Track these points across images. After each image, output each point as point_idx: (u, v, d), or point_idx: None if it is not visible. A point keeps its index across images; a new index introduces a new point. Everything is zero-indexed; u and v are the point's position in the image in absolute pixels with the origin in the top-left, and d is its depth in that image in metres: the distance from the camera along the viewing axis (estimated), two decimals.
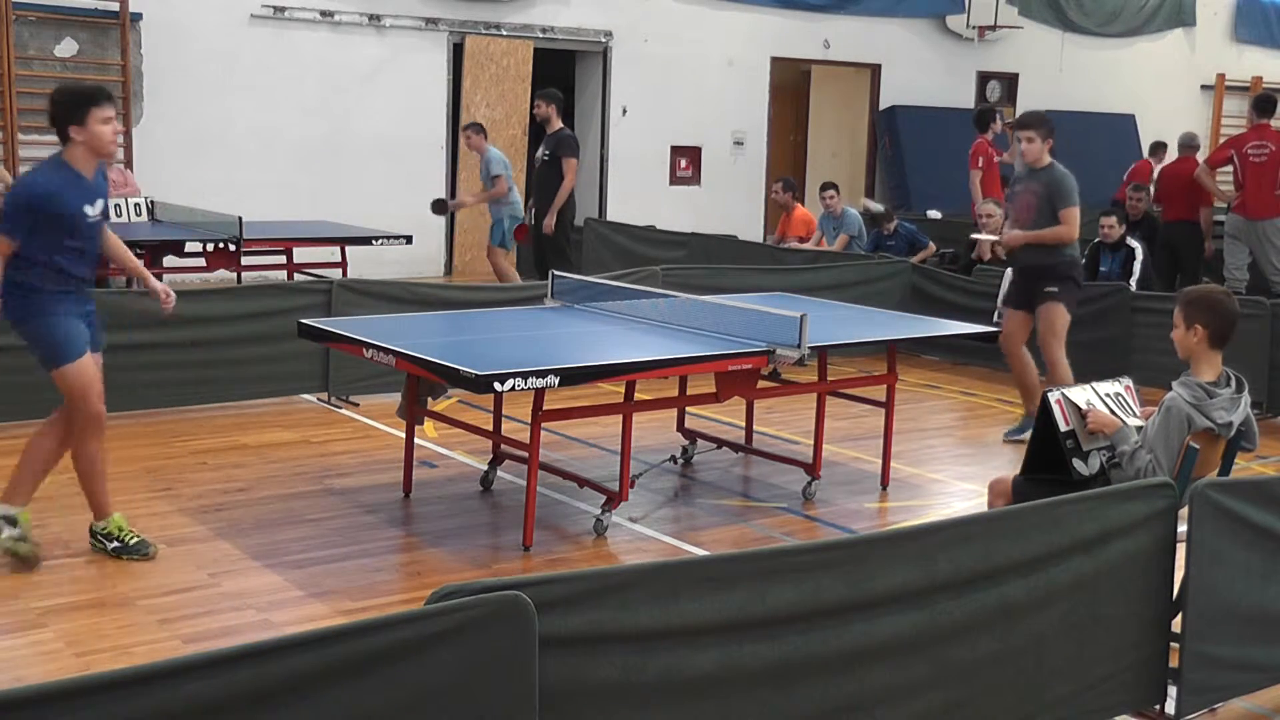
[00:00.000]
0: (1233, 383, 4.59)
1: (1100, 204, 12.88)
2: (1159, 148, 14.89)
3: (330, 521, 5.90)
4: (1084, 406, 4.67)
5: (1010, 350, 7.80)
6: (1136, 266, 10.01)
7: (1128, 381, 4.94)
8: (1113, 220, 10.27)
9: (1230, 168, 11.28)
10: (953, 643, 3.56)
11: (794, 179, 13.54)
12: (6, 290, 5.09)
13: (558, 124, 10.83)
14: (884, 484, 6.78)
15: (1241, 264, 11.21)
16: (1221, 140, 20.34)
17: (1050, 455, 4.70)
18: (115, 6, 12.37)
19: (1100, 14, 19.34)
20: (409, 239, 11.03)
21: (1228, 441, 4.58)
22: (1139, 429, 4.67)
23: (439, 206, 11.91)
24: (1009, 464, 5.39)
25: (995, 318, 9.38)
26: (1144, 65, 19.89)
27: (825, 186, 12.30)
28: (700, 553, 5.50)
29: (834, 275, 10.17)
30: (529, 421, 5.58)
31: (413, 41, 14.09)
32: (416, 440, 6.44)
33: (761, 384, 6.48)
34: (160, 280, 5.73)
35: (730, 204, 16.07)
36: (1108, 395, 4.78)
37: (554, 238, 10.68)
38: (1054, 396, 4.70)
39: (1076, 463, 4.64)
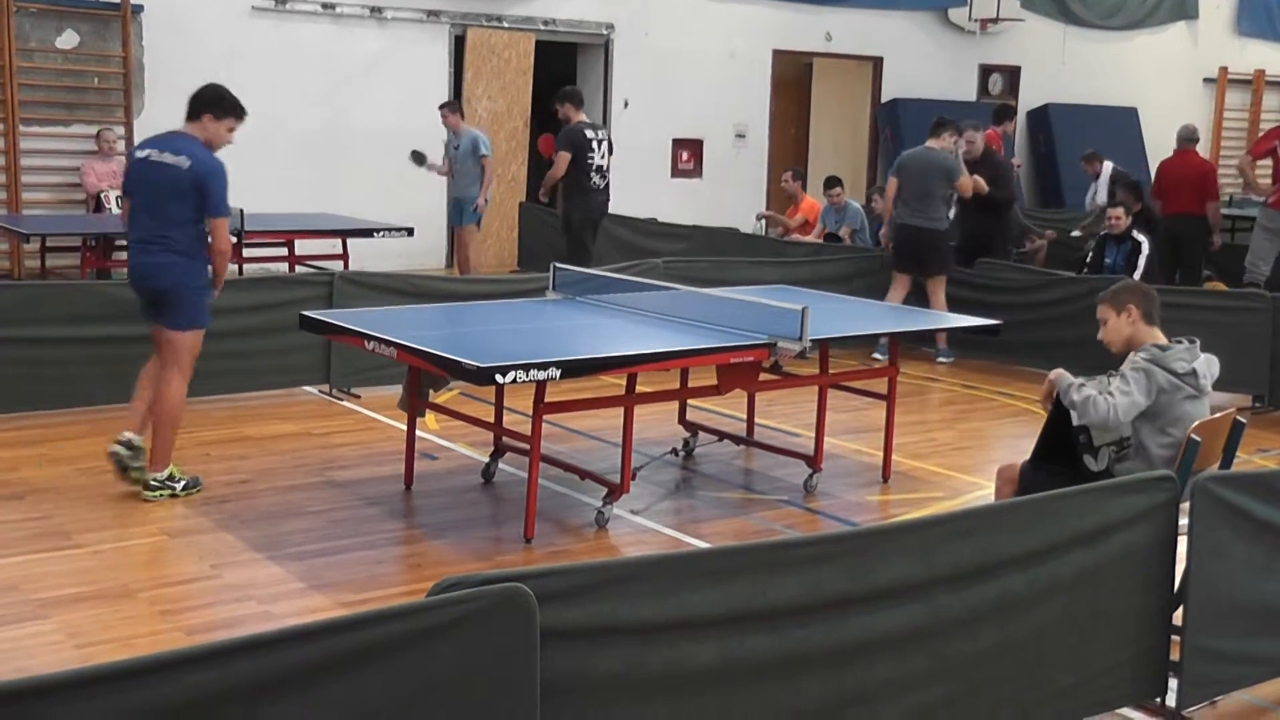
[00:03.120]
0: (1184, 341, 4.73)
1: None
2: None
3: (332, 513, 5.91)
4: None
5: None
6: (1141, 260, 10.00)
7: None
8: (1119, 211, 10.27)
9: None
10: (954, 636, 3.56)
11: (802, 170, 13.51)
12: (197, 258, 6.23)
13: (574, 119, 10.41)
14: (885, 477, 6.78)
15: (1269, 258, 11.11)
16: (1224, 134, 20.34)
17: (1060, 446, 4.74)
18: None
19: (1102, 7, 19.29)
20: (410, 231, 11.03)
21: (1229, 433, 4.59)
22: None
23: (418, 158, 11.77)
24: (1010, 457, 5.40)
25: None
26: (1146, 58, 19.84)
27: (831, 183, 12.26)
28: (701, 545, 5.50)
29: (836, 268, 10.16)
30: (530, 414, 5.58)
31: (414, 34, 14.08)
32: (418, 432, 6.44)
33: (763, 377, 6.48)
34: None
35: (732, 197, 16.04)
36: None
37: (575, 234, 10.52)
38: None
39: (1087, 458, 4.68)
